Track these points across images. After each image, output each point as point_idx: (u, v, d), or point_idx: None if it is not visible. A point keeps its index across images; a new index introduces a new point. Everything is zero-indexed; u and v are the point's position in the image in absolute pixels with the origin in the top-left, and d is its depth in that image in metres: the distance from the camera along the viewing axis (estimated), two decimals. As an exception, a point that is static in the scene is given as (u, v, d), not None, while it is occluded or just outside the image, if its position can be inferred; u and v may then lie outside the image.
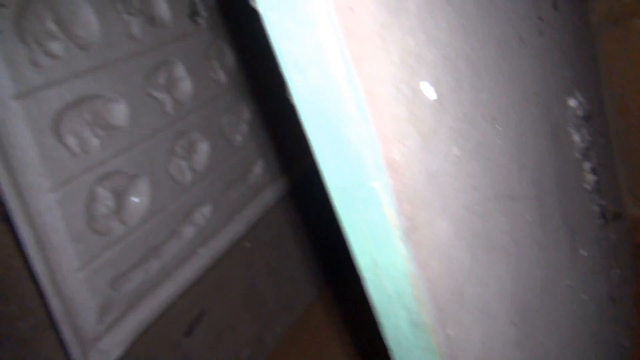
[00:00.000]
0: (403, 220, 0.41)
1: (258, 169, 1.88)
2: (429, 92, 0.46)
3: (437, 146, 0.47)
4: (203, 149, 1.66)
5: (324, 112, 0.38)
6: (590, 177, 1.05)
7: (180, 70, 1.58)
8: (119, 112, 1.40)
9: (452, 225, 0.48)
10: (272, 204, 1.90)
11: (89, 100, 1.30)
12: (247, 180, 1.84)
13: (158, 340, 1.52)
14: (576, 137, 0.99)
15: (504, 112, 0.65)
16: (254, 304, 1.84)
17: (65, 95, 1.23)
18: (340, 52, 0.36)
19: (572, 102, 1.00)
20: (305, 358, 1.79)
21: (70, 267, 1.25)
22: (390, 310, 0.45)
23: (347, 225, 0.43)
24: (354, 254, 0.44)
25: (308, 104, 0.39)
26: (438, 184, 0.46)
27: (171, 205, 1.53)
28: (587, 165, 1.04)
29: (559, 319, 0.78)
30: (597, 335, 0.99)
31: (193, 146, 1.63)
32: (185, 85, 1.61)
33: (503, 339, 0.57)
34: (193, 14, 1.62)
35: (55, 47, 1.22)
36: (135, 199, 1.44)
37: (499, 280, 0.57)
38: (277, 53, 0.38)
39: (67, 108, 1.23)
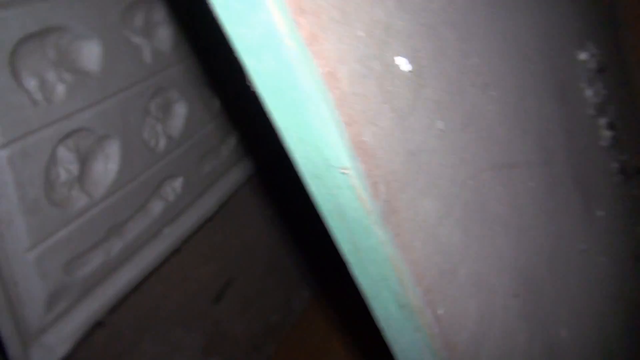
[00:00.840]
0: (378, 204, 0.39)
1: (233, 140, 1.63)
2: (404, 65, 0.44)
3: (416, 122, 0.45)
4: (180, 111, 1.39)
5: (285, 98, 0.36)
6: (607, 133, 1.00)
7: (160, 13, 1.28)
8: (91, 53, 1.11)
9: (439, 203, 0.46)
10: (243, 182, 1.66)
11: (55, 32, 1.03)
12: (221, 153, 1.59)
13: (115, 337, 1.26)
14: (589, 93, 0.93)
15: (498, 76, 0.61)
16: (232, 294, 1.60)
17: (27, 21, 0.95)
18: (290, 33, 0.33)
19: (583, 55, 0.94)
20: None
21: (19, 245, 0.99)
22: (377, 294, 0.44)
23: (324, 211, 0.41)
24: (336, 239, 0.43)
25: (268, 90, 0.37)
26: (419, 162, 0.44)
27: (142, 175, 1.25)
28: (602, 121, 0.99)
29: (572, 285, 0.75)
30: (619, 297, 0.96)
31: (170, 107, 1.37)
32: (166, 32, 1.31)
33: (504, 313, 0.55)
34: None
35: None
36: (102, 165, 1.16)
37: (498, 254, 0.55)
38: (229, 38, 0.36)
39: (27, 39, 0.97)
